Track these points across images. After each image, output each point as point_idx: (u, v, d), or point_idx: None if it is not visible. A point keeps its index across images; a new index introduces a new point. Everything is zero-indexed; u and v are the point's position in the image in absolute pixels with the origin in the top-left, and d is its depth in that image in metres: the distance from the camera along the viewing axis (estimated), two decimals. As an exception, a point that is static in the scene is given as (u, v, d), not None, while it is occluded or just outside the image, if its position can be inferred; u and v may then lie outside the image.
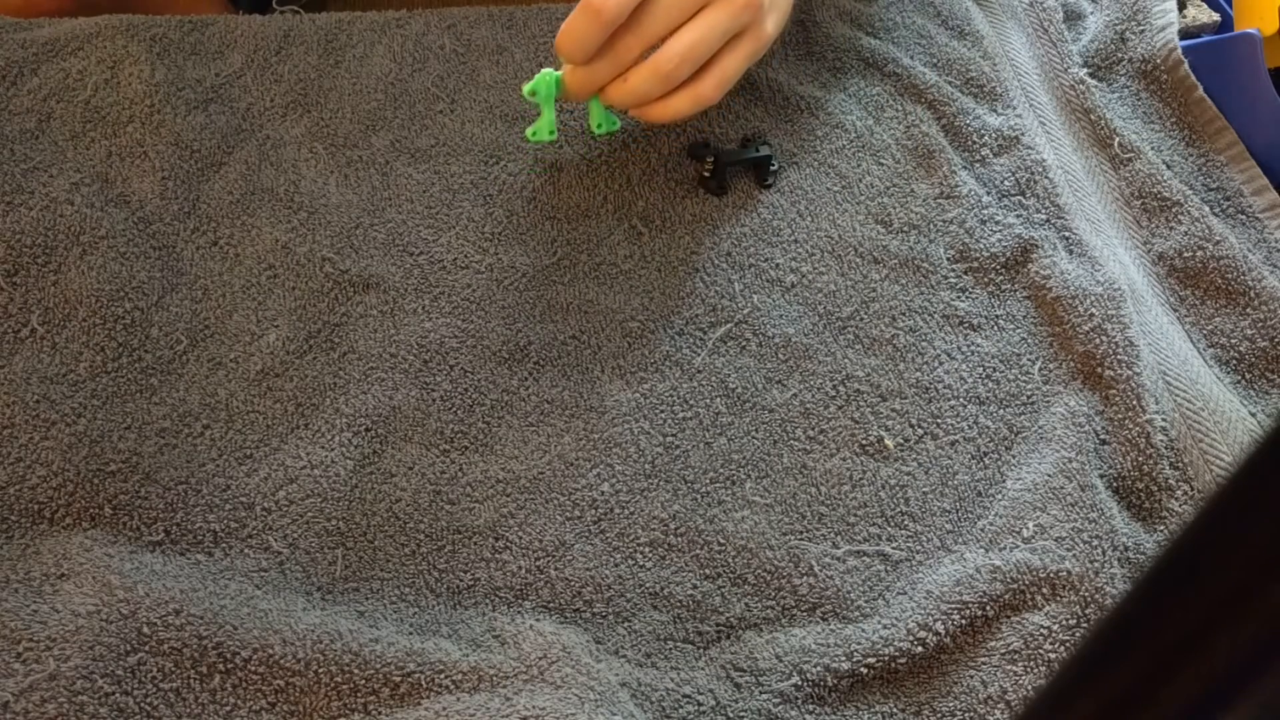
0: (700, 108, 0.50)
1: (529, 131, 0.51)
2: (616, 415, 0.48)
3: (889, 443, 0.48)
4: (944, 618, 0.43)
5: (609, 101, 0.49)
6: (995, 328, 0.52)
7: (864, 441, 0.48)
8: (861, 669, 0.42)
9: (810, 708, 0.41)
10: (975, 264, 0.54)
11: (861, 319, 0.52)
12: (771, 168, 0.55)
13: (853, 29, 0.61)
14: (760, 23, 0.50)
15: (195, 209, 0.51)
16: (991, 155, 0.58)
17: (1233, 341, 0.53)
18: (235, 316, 0.48)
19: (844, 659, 0.42)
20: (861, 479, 0.47)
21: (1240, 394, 0.52)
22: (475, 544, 0.44)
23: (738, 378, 0.49)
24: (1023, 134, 0.58)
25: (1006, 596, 0.44)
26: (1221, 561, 0.17)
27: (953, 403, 0.50)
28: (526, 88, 0.50)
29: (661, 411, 0.48)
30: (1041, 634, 0.43)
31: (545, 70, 0.50)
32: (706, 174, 0.54)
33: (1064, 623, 0.43)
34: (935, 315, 0.52)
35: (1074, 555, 0.44)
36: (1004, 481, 0.48)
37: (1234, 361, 0.53)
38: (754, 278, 0.52)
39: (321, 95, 0.55)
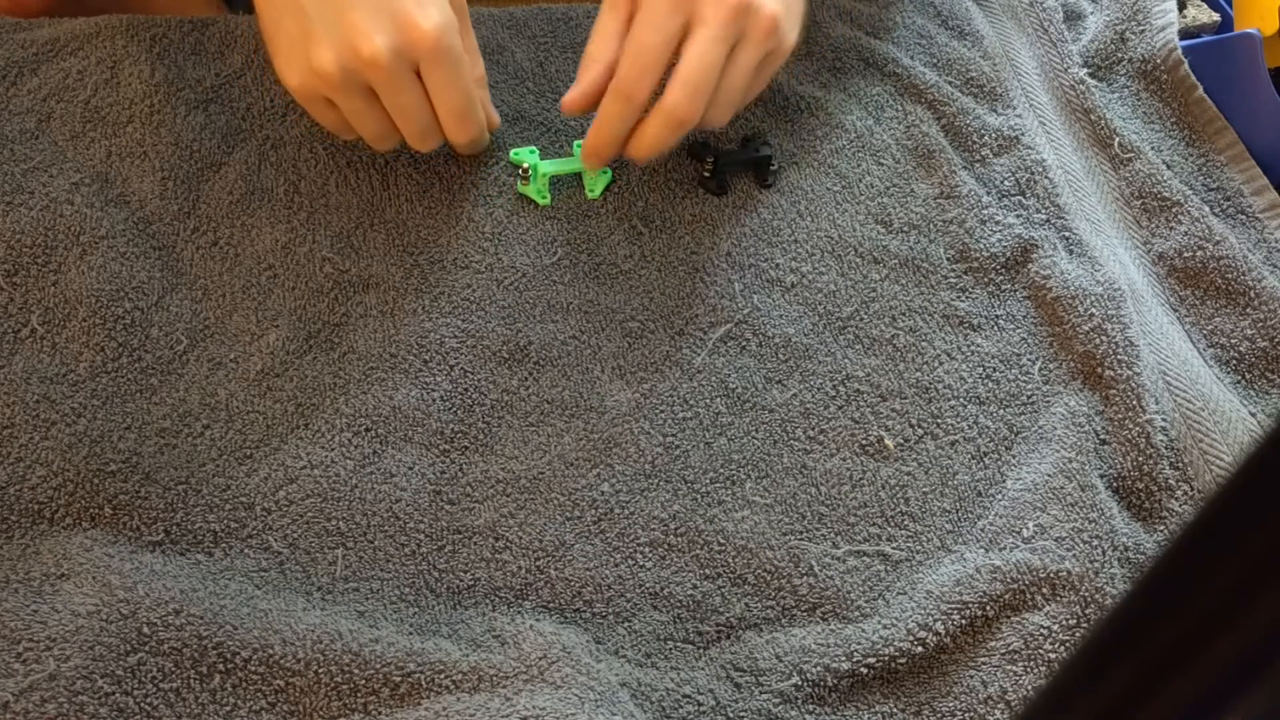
0: (710, 127, 0.51)
1: (520, 186, 0.53)
2: (616, 415, 0.48)
3: (889, 443, 0.48)
4: (944, 618, 0.43)
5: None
6: (995, 328, 0.52)
7: (864, 441, 0.48)
8: (861, 669, 0.42)
9: (810, 708, 0.41)
10: (975, 264, 0.54)
11: (861, 319, 0.52)
12: (771, 168, 0.55)
13: (853, 29, 0.61)
14: (780, 37, 0.48)
15: (195, 209, 0.51)
16: (991, 155, 0.58)
17: (1233, 341, 0.53)
18: (235, 316, 0.48)
19: (844, 659, 0.42)
20: (861, 479, 0.47)
21: (1240, 394, 0.52)
22: (475, 544, 0.44)
23: (738, 378, 0.49)
24: (1023, 134, 0.58)
25: (1006, 596, 0.44)
26: (1221, 562, 0.17)
27: (953, 403, 0.50)
28: (513, 156, 0.53)
29: (661, 411, 0.48)
30: (1041, 634, 0.43)
31: (531, 150, 0.53)
32: (706, 174, 0.54)
33: (1064, 623, 0.43)
34: (935, 315, 0.52)
35: (1074, 555, 0.44)
36: (1004, 481, 0.48)
37: (1234, 361, 0.53)
38: (754, 278, 0.52)
39: (321, 95, 0.55)
